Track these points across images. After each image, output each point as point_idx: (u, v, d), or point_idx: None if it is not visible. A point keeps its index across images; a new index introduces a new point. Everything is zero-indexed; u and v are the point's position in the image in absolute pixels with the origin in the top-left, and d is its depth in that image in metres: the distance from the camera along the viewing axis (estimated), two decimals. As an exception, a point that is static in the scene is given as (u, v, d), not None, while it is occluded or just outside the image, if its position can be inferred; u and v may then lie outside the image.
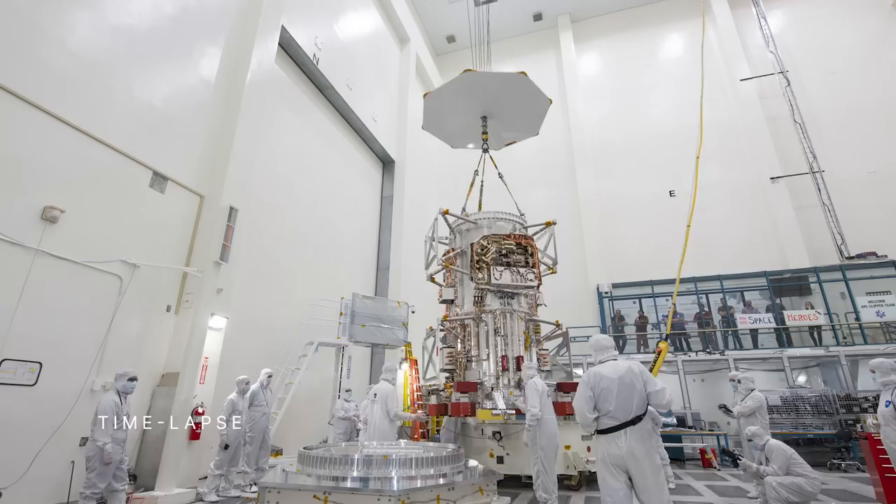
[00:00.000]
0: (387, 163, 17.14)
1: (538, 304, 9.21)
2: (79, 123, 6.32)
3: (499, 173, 10.42)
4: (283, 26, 10.79)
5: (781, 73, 16.79)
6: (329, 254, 12.92)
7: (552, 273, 9.56)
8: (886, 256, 13.37)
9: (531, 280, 8.37)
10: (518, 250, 8.60)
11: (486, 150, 10.68)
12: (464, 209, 9.74)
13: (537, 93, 9.91)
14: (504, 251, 8.48)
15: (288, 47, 11.63)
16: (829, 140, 15.85)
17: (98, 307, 6.42)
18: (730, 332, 13.45)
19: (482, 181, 10.43)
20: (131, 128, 7.13)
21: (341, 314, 10.62)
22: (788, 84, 16.63)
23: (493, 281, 8.14)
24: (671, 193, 17.29)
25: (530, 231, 9.74)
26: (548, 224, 9.86)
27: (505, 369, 7.82)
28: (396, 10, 17.89)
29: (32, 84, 5.82)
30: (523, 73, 9.45)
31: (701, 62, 12.10)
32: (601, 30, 21.15)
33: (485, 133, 10.58)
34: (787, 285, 13.97)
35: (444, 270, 9.52)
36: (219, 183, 8.41)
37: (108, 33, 6.95)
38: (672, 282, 15.11)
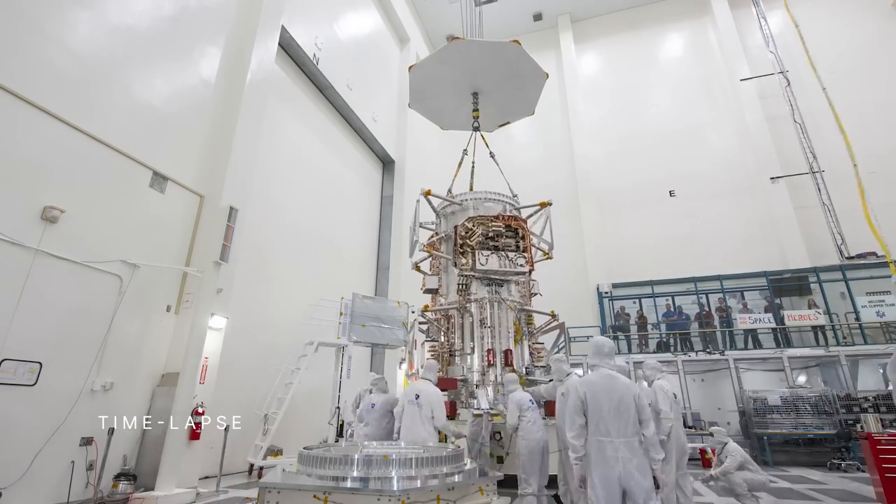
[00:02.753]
0: (387, 163, 17.15)
1: (533, 294, 8.47)
2: (79, 123, 6.32)
3: (490, 152, 9.63)
4: (283, 26, 10.79)
5: (781, 73, 16.80)
6: (329, 254, 12.92)
7: (548, 259, 8.85)
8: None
9: (521, 265, 7.58)
10: (507, 233, 7.78)
11: (476, 129, 9.83)
12: (449, 190, 8.93)
13: (532, 66, 8.96)
14: (491, 234, 7.67)
15: (288, 47, 11.63)
16: (829, 140, 15.85)
17: (98, 307, 6.42)
18: (727, 332, 13.45)
19: (473, 162, 9.57)
20: (131, 128, 7.13)
21: (341, 314, 10.61)
22: (788, 84, 16.63)
23: (479, 266, 7.37)
24: (671, 193, 17.30)
25: (524, 213, 8.93)
26: (543, 205, 8.94)
27: (491, 364, 7.08)
28: (396, 10, 17.90)
29: (32, 84, 5.82)
30: (517, 41, 8.57)
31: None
32: (601, 30, 21.17)
33: (475, 110, 9.73)
34: (787, 285, 13.98)
35: (429, 258, 8.76)
36: (219, 183, 8.40)
37: (108, 33, 6.95)
38: (672, 281, 15.19)
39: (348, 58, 14.35)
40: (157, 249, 7.41)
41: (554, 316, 8.37)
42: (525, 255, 7.69)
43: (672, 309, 14.48)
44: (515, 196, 8.98)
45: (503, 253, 7.55)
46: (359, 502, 3.35)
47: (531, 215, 9.09)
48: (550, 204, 8.98)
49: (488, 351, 7.19)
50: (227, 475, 7.70)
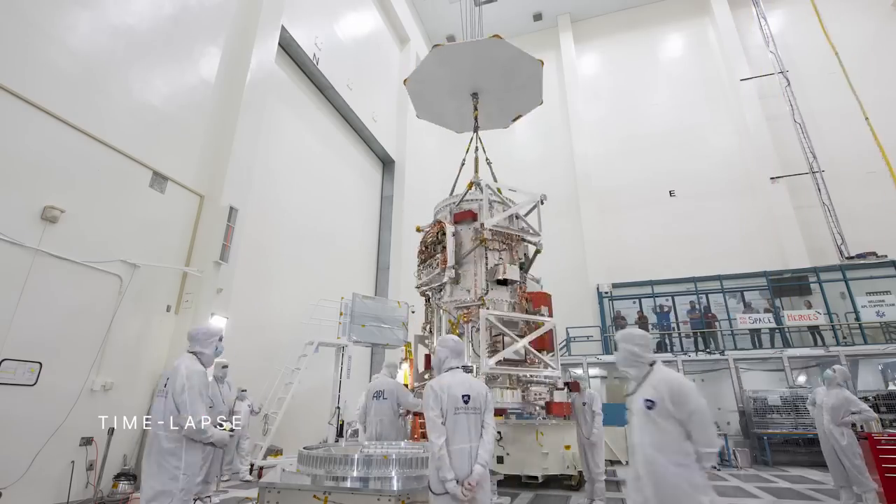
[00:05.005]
0: (387, 163, 17.15)
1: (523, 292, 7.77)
2: (79, 123, 6.32)
3: (486, 159, 9.31)
4: (283, 26, 10.79)
5: (781, 73, 16.80)
6: (329, 254, 12.92)
7: (537, 252, 8.03)
8: (886, 256, 13.37)
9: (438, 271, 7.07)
10: (442, 238, 7.12)
11: (476, 130, 9.55)
12: (452, 192, 8.69)
13: (523, 56, 8.57)
14: (430, 241, 7.27)
15: (288, 47, 11.63)
16: (829, 140, 15.86)
17: (98, 307, 6.42)
18: (730, 333, 13.45)
19: (464, 160, 9.29)
20: (131, 128, 7.14)
21: (341, 314, 10.61)
22: (788, 84, 16.63)
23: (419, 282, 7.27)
24: (671, 193, 17.30)
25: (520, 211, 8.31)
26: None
27: (428, 369, 7.03)
28: (396, 10, 17.90)
29: (32, 84, 5.82)
30: (497, 36, 8.14)
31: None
32: (601, 30, 21.17)
33: (475, 111, 9.49)
34: (787, 285, 13.98)
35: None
36: (219, 183, 8.41)
37: (108, 33, 6.95)
38: (671, 281, 15.19)
39: (348, 58, 14.34)
40: (157, 249, 7.41)
41: (483, 302, 7.29)
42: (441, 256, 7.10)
43: (669, 310, 14.48)
44: (499, 193, 8.64)
45: (433, 260, 7.14)
46: (359, 502, 3.36)
47: (528, 213, 8.76)
48: (543, 199, 8.20)
49: (426, 356, 7.19)
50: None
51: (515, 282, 7.00)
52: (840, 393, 5.91)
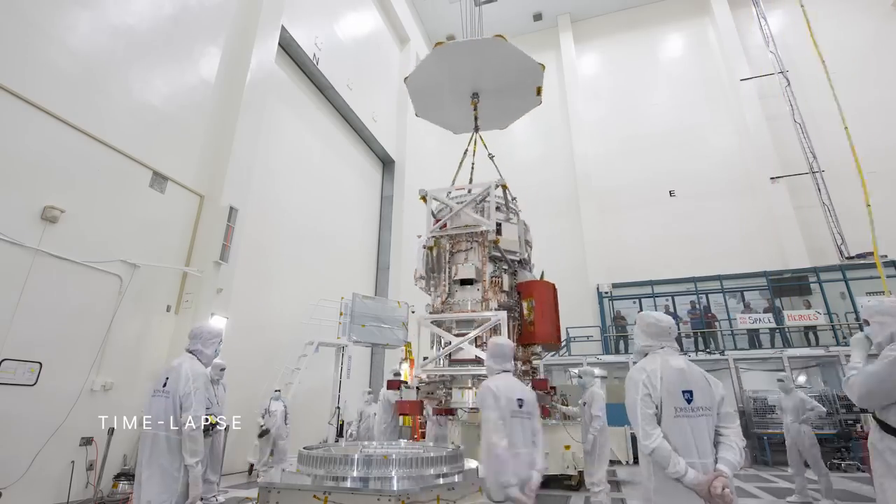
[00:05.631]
0: (387, 163, 17.15)
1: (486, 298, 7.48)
2: (79, 123, 6.32)
3: (489, 154, 9.23)
4: (283, 26, 10.79)
5: (781, 73, 16.80)
6: (329, 254, 12.92)
7: (495, 243, 7.48)
8: (886, 256, 13.37)
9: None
10: None
11: (476, 130, 9.61)
12: (449, 192, 8.56)
13: (486, 43, 8.33)
14: None
15: (288, 47, 11.64)
16: (829, 140, 15.86)
17: (98, 307, 6.42)
18: (730, 332, 13.46)
19: (473, 161, 9.26)
20: (131, 128, 7.14)
21: (341, 314, 10.62)
22: (788, 84, 16.63)
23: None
24: (671, 193, 17.30)
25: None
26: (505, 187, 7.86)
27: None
28: (396, 10, 17.90)
29: (32, 84, 5.82)
30: (500, 36, 8.03)
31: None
32: (601, 30, 21.16)
33: (475, 110, 9.47)
34: (787, 285, 13.98)
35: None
36: (219, 183, 8.41)
37: (108, 33, 6.95)
38: (671, 281, 15.20)
39: (348, 58, 14.34)
40: (157, 249, 7.41)
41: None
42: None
43: (669, 310, 14.49)
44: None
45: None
46: (359, 502, 3.35)
47: (506, 204, 8.14)
48: (500, 184, 7.64)
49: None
50: (226, 475, 7.70)
51: (475, 280, 7.05)
52: (797, 395, 7.05)
